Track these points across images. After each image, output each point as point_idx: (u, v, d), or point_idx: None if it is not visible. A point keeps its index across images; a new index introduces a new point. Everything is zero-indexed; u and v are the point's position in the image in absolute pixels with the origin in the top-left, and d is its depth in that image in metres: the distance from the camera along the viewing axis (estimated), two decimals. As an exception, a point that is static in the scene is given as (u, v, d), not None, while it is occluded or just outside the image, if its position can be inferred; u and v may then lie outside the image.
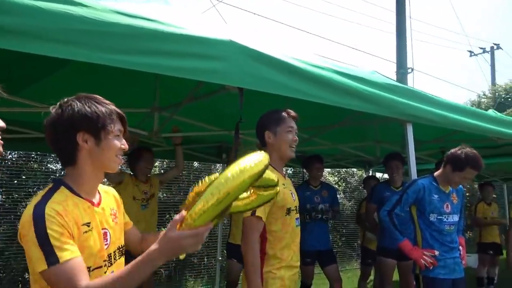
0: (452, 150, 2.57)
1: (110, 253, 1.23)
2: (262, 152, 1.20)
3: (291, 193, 2.05)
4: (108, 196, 1.33)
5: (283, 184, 1.98)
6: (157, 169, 6.47)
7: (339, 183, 8.52)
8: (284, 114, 2.03)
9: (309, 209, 3.89)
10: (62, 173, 6.00)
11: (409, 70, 8.58)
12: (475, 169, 2.44)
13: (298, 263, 2.05)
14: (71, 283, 1.02)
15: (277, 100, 2.38)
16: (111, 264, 1.23)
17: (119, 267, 1.26)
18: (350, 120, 3.48)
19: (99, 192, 1.28)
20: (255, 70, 1.94)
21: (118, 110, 1.24)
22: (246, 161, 1.12)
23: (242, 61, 1.90)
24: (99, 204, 1.24)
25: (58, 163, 6.05)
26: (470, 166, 2.44)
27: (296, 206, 2.06)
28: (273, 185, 1.40)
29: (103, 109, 1.19)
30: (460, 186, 2.68)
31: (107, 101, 1.24)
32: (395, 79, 8.43)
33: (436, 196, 2.50)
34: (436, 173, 2.61)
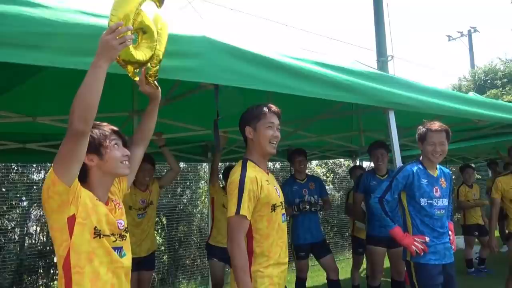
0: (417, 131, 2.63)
1: (123, 233, 1.50)
2: None
3: (276, 189, 2.00)
4: (110, 195, 1.57)
5: (267, 181, 1.94)
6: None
7: (327, 174, 8.54)
8: (265, 109, 1.95)
9: (298, 203, 3.87)
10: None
11: (389, 58, 8.58)
12: (433, 131, 2.49)
13: (287, 259, 2.02)
14: None
15: (260, 95, 2.34)
16: (122, 240, 1.48)
17: (127, 244, 1.52)
18: (333, 111, 3.45)
19: (108, 198, 1.53)
20: (231, 65, 1.89)
21: (111, 127, 1.51)
22: None
23: (216, 57, 1.85)
24: (107, 203, 1.51)
25: (40, 173, 5.90)
26: (429, 131, 2.50)
27: (281, 202, 2.02)
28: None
29: (97, 131, 1.45)
30: (448, 170, 2.69)
31: (103, 123, 1.52)
32: (376, 68, 8.51)
33: (425, 180, 2.49)
34: (420, 158, 2.61)
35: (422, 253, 2.38)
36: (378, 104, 2.61)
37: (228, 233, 1.84)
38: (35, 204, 5.59)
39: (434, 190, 2.49)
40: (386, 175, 3.75)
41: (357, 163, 6.82)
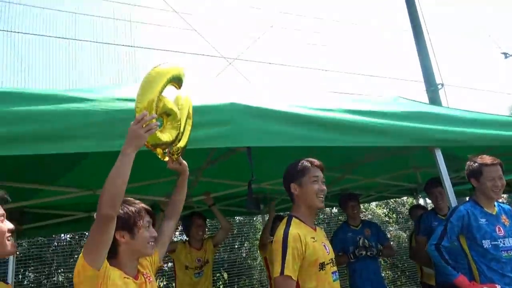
0: (466, 168, 2.48)
1: None
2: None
3: (324, 246, 1.95)
4: (141, 268, 1.65)
5: (313, 238, 1.90)
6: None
7: (389, 214, 8.09)
8: (307, 164, 1.98)
9: (353, 251, 3.68)
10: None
11: (440, 86, 8.26)
12: (489, 165, 2.34)
13: None
14: None
15: (300, 149, 2.36)
16: None
17: None
18: (375, 155, 3.36)
19: (137, 271, 1.61)
20: (260, 126, 1.97)
21: (146, 206, 1.59)
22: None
23: (245, 121, 1.94)
24: (137, 277, 1.58)
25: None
26: (485, 165, 2.35)
27: (331, 259, 1.95)
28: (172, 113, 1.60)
29: (133, 209, 1.54)
30: (508, 206, 2.45)
31: (137, 201, 1.60)
32: (427, 98, 8.19)
33: (483, 220, 2.29)
34: (474, 197, 2.41)
35: None
36: (420, 144, 2.51)
37: None
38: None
39: (497, 229, 2.27)
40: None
41: (420, 201, 6.41)
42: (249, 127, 1.94)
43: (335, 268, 1.95)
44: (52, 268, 5.69)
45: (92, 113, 1.62)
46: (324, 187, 1.97)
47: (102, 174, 3.27)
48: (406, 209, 8.07)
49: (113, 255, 1.50)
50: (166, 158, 1.67)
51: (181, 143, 1.66)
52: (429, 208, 4.63)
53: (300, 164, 1.99)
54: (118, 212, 1.45)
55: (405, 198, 8.12)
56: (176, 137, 1.60)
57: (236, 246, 6.58)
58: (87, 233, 6.01)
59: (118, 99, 1.72)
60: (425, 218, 3.64)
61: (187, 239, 3.73)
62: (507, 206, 2.45)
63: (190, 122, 1.71)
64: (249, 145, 1.99)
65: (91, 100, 1.65)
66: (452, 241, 2.34)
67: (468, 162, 2.43)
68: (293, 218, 1.95)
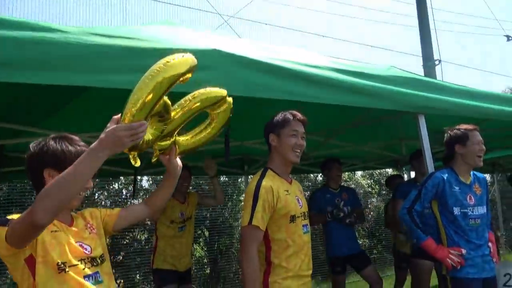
0: (446, 138, 2.48)
1: (95, 257, 1.37)
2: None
3: (297, 199, 1.95)
4: (79, 217, 1.46)
5: (286, 191, 1.91)
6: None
7: (372, 185, 8.22)
8: (289, 116, 1.95)
9: (331, 210, 3.77)
10: (95, 197, 6.23)
11: (437, 62, 8.18)
12: (474, 130, 2.39)
13: (309, 272, 1.95)
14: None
15: (286, 106, 2.33)
16: (96, 265, 1.36)
17: (106, 269, 1.41)
18: (362, 119, 3.34)
19: (72, 218, 1.41)
20: (243, 76, 1.91)
21: (83, 149, 1.35)
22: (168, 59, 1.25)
23: (229, 69, 1.88)
24: (71, 225, 1.39)
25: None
26: (469, 130, 2.39)
27: (303, 213, 1.96)
28: (221, 98, 1.44)
29: (72, 149, 1.34)
30: (482, 175, 2.48)
31: (82, 143, 1.39)
32: (423, 73, 8.13)
33: (457, 188, 2.32)
34: (453, 165, 2.43)
35: (458, 267, 2.20)
36: (404, 109, 2.49)
37: (240, 244, 1.84)
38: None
39: (468, 197, 2.31)
40: (339, 189, 3.73)
41: (404, 173, 6.51)
42: (232, 75, 1.89)
43: (306, 222, 1.97)
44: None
45: (65, 45, 1.54)
46: (303, 143, 1.94)
47: (87, 119, 3.24)
48: (390, 181, 8.21)
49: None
50: (138, 163, 1.31)
51: (166, 141, 1.39)
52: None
53: (282, 115, 1.96)
54: (54, 148, 1.31)
55: (389, 170, 8.23)
56: (157, 138, 1.32)
57: (219, 206, 6.67)
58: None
59: (93, 34, 1.63)
60: (404, 184, 3.72)
61: None
62: (482, 175, 2.48)
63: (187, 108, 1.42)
64: (231, 94, 1.94)
65: (64, 32, 1.56)
66: (424, 206, 2.37)
67: (449, 131, 2.43)
68: (268, 170, 1.94)
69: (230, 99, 1.51)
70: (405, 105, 2.48)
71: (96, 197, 6.19)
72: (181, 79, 1.26)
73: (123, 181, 6.32)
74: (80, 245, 1.34)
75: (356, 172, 7.90)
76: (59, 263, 1.26)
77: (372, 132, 4.25)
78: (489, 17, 19.06)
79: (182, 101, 1.42)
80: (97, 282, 1.33)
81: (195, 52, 1.82)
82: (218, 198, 3.71)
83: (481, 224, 2.31)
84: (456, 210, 2.27)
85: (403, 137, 4.51)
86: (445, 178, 2.34)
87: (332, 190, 3.92)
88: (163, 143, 1.38)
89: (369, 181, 8.27)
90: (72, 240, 1.32)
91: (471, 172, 2.43)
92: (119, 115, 1.16)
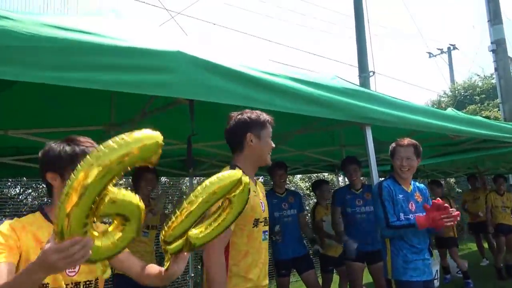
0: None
1: (78, 282, 1.30)
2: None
3: (261, 203, 1.88)
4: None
5: (254, 191, 1.82)
6: (122, 186, 6.24)
7: (310, 188, 8.54)
8: (268, 117, 1.92)
9: (277, 217, 3.84)
10: (20, 197, 5.68)
11: (371, 74, 8.76)
12: (400, 145, 2.61)
13: (266, 282, 1.86)
14: None
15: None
16: None
17: None
18: (313, 126, 3.47)
19: None
20: (205, 80, 1.87)
21: (87, 151, 1.31)
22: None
23: (191, 72, 1.83)
24: None
25: (16, 188, 5.74)
26: (396, 145, 2.63)
27: (265, 218, 1.89)
28: (236, 182, 1.23)
29: (68, 149, 1.32)
30: (422, 185, 2.72)
31: (84, 143, 1.35)
32: (358, 83, 8.66)
33: (400, 196, 2.51)
34: (393, 174, 2.64)
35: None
36: (354, 120, 2.63)
37: (205, 247, 1.67)
38: (9, 219, 5.41)
39: (410, 205, 2.51)
40: (361, 189, 3.80)
41: (340, 178, 6.87)
42: (195, 78, 1.84)
43: (266, 228, 1.90)
44: None
45: (13, 35, 1.38)
46: (274, 145, 1.94)
47: (18, 114, 2.95)
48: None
49: (49, 195, 1.39)
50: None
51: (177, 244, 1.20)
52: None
53: (260, 115, 1.90)
54: (52, 151, 1.32)
55: (326, 174, 8.60)
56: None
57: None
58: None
59: (47, 25, 1.49)
60: (340, 191, 3.95)
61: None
62: (422, 185, 2.71)
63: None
64: (193, 98, 1.90)
65: (13, 20, 1.41)
66: (395, 214, 2.47)
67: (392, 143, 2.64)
68: (236, 167, 1.77)
69: (246, 179, 1.29)
70: (354, 116, 2.61)
71: (22, 197, 5.65)
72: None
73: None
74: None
75: (295, 175, 8.14)
76: (44, 284, 1.21)
77: (316, 138, 4.44)
78: (417, 34, 20.84)
79: (191, 196, 1.20)
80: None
81: (158, 53, 1.77)
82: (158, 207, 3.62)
83: (422, 230, 2.49)
84: (402, 216, 2.45)
85: (344, 144, 4.76)
86: (391, 186, 2.52)
87: (278, 195, 4.01)
88: (172, 246, 1.19)
89: (307, 184, 8.57)
90: None
91: (411, 182, 2.64)
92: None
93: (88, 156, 0.89)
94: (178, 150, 4.11)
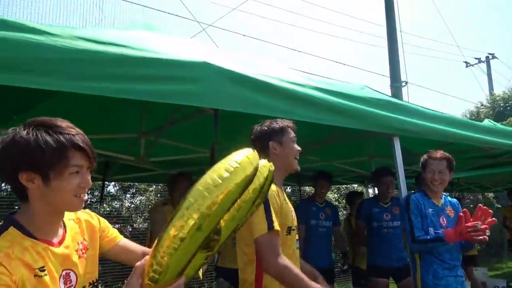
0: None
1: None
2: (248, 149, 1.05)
3: (291, 211, 1.83)
4: (76, 228, 1.17)
5: (285, 199, 1.79)
6: (152, 193, 6.40)
7: (339, 199, 8.41)
8: (286, 123, 1.91)
9: (313, 225, 3.84)
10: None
11: (403, 84, 8.57)
12: (432, 158, 2.50)
13: None
14: None
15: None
16: None
17: None
18: (338, 136, 3.44)
19: (64, 226, 1.12)
20: (230, 90, 1.92)
21: (76, 140, 1.01)
22: (226, 164, 0.93)
23: (216, 82, 1.88)
24: (60, 242, 1.08)
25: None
26: (429, 158, 2.52)
27: (296, 226, 1.84)
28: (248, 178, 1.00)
29: (52, 142, 0.97)
30: (454, 199, 2.62)
31: (68, 130, 1.01)
32: (390, 94, 8.48)
33: (430, 210, 2.43)
34: (423, 187, 2.56)
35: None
36: (381, 130, 2.59)
37: (262, 258, 1.59)
38: None
39: (441, 219, 2.42)
40: (390, 203, 3.67)
41: (370, 189, 6.71)
42: (220, 89, 1.89)
43: (297, 236, 1.86)
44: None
45: (51, 48, 1.48)
46: (300, 149, 1.90)
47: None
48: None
49: (22, 199, 1.03)
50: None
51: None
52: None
53: (278, 123, 1.89)
54: (25, 142, 0.96)
55: (355, 185, 8.45)
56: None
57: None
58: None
59: (81, 38, 1.59)
60: (366, 204, 3.83)
61: (168, 199, 3.50)
62: (454, 200, 2.61)
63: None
64: (218, 107, 1.95)
65: (51, 34, 1.51)
66: (423, 228, 2.39)
67: (423, 155, 2.56)
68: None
69: (265, 164, 1.16)
70: (382, 126, 2.58)
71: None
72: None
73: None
74: (66, 281, 1.07)
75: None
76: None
77: (344, 148, 4.39)
78: (452, 43, 20.18)
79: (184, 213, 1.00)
80: None
81: (185, 64, 1.84)
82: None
83: (455, 246, 2.39)
84: (431, 231, 2.36)
85: (373, 155, 4.67)
86: (419, 200, 2.44)
87: (317, 204, 4.03)
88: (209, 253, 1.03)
89: (336, 195, 8.45)
90: (58, 284, 1.04)
91: (442, 195, 2.55)
92: (142, 262, 0.88)
93: (188, 200, 0.81)
94: (206, 158, 4.18)
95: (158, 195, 6.30)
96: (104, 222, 1.30)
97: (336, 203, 8.18)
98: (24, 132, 0.98)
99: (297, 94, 2.18)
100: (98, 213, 1.33)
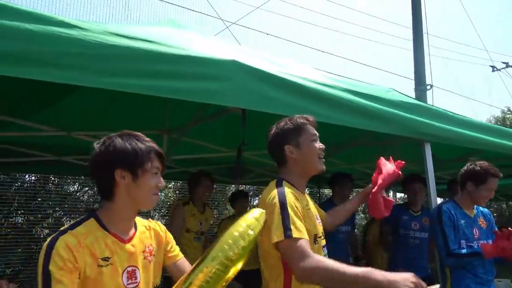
0: (464, 169, 2.42)
1: None
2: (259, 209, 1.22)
3: (316, 216, 1.68)
4: (146, 233, 1.32)
5: (307, 205, 1.61)
6: (171, 190, 6.42)
7: (358, 203, 8.27)
8: (303, 120, 1.67)
9: (331, 233, 3.70)
10: (77, 195, 6.04)
11: (428, 87, 8.33)
12: (496, 176, 2.32)
13: None
14: None
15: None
16: None
17: None
18: (365, 140, 3.34)
19: (135, 228, 1.30)
20: (259, 90, 1.87)
21: (157, 148, 1.27)
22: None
23: (245, 81, 1.83)
24: (129, 240, 1.25)
25: (74, 185, 6.11)
26: (491, 175, 2.31)
27: (322, 232, 1.69)
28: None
29: (143, 147, 1.23)
30: (486, 209, 2.49)
31: (148, 139, 1.28)
32: (414, 97, 8.27)
33: (462, 221, 2.31)
34: (456, 198, 2.43)
35: None
36: (412, 135, 2.49)
37: (289, 262, 1.46)
38: (67, 215, 5.77)
39: (474, 231, 2.30)
40: (420, 212, 3.53)
41: (391, 194, 6.56)
42: (248, 88, 1.84)
43: (325, 242, 1.70)
44: (11, 208, 5.50)
45: (81, 43, 1.46)
46: (324, 146, 1.69)
47: (79, 117, 3.13)
48: (375, 200, 8.26)
49: (107, 197, 1.23)
50: None
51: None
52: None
53: (293, 121, 1.66)
54: (122, 146, 1.21)
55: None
56: None
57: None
58: (52, 178, 5.80)
59: (112, 33, 1.56)
60: (396, 210, 3.67)
61: (188, 198, 3.51)
62: (485, 209, 2.49)
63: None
64: (246, 107, 1.90)
65: (82, 29, 1.49)
66: (457, 241, 2.29)
67: (470, 165, 2.40)
68: (283, 181, 1.61)
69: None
70: (412, 131, 2.48)
71: (79, 195, 6.00)
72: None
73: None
74: (130, 277, 1.20)
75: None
76: None
77: (366, 152, 4.27)
78: (479, 46, 19.58)
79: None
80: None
81: (214, 62, 1.80)
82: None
83: (489, 259, 2.28)
84: (463, 244, 2.25)
85: (395, 159, 4.53)
86: (451, 210, 2.33)
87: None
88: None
89: (354, 199, 8.31)
90: (121, 277, 1.18)
91: (474, 206, 2.44)
92: None
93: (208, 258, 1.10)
94: (227, 158, 4.15)
95: (177, 192, 6.32)
96: (170, 237, 1.43)
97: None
98: (120, 139, 1.23)
99: (325, 95, 2.11)
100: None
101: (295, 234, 1.41)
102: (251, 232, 1.21)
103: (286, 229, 1.41)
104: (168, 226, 3.50)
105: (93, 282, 1.12)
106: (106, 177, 1.21)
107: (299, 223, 1.45)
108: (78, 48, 1.45)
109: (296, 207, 1.49)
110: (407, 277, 1.28)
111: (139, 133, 1.29)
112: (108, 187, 1.22)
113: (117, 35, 1.55)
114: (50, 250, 1.09)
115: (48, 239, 1.12)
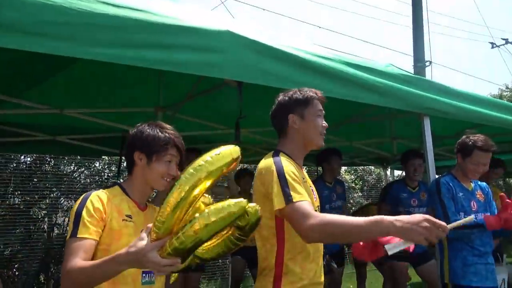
0: (459, 140, 2.38)
1: None
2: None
3: (312, 190, 1.64)
4: (154, 214, 1.41)
5: (303, 178, 1.57)
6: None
7: (356, 181, 8.29)
8: (312, 94, 1.63)
9: (327, 209, 3.67)
10: (74, 175, 6.00)
11: (427, 63, 8.22)
12: (483, 150, 2.26)
13: (323, 278, 1.61)
14: (68, 257, 1.22)
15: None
16: None
17: None
18: (364, 115, 3.29)
19: (146, 205, 1.48)
20: (255, 62, 1.81)
21: (176, 139, 1.41)
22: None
23: (241, 53, 1.77)
24: (144, 209, 1.44)
25: (70, 165, 6.06)
26: (477, 148, 2.26)
27: (318, 207, 1.64)
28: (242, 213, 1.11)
29: (162, 136, 1.39)
30: (484, 183, 2.48)
31: (171, 130, 1.43)
32: (413, 73, 8.18)
33: (461, 194, 2.29)
34: (452, 171, 2.40)
35: None
36: (412, 109, 2.45)
37: (296, 229, 1.41)
38: (64, 196, 5.75)
39: (471, 203, 2.29)
40: (418, 188, 3.53)
41: (388, 172, 6.56)
42: (244, 60, 1.78)
43: None
44: (8, 189, 5.46)
45: (66, 11, 1.38)
46: (327, 124, 1.65)
47: (72, 94, 3.05)
48: (373, 178, 8.30)
49: (129, 172, 1.46)
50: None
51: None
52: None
53: (302, 92, 1.63)
54: (146, 133, 1.38)
55: (372, 167, 8.31)
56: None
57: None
58: (48, 159, 5.75)
59: (99, 2, 1.48)
60: (394, 188, 3.65)
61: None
62: (483, 183, 2.47)
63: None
64: (242, 80, 1.84)
65: (68, -4, 1.41)
66: (458, 212, 2.26)
67: (464, 137, 2.36)
68: (281, 152, 1.59)
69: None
70: (412, 105, 2.43)
71: (76, 175, 5.96)
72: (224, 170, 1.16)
73: (107, 160, 6.09)
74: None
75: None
76: None
77: (363, 128, 4.23)
78: (479, 23, 19.27)
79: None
80: (149, 282, 1.36)
81: (208, 32, 1.72)
82: (231, 188, 3.59)
83: (487, 232, 2.26)
84: (461, 216, 2.23)
85: (395, 136, 4.51)
86: (450, 183, 2.31)
87: (328, 185, 3.80)
88: (183, 265, 1.15)
89: (352, 176, 8.33)
90: (139, 232, 1.28)
91: (472, 179, 2.41)
92: (149, 227, 1.13)
93: (181, 177, 1.12)
94: (222, 135, 4.10)
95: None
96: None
97: (353, 185, 8.07)
98: (147, 126, 1.42)
99: (325, 68, 2.05)
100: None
101: (296, 198, 1.40)
102: (213, 155, 1.14)
103: (287, 194, 1.40)
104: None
105: (118, 233, 1.30)
106: (129, 156, 1.43)
107: (298, 187, 1.44)
108: (64, 16, 1.37)
109: (294, 173, 1.47)
110: (419, 219, 1.22)
111: (165, 124, 1.45)
112: (129, 164, 1.44)
113: (105, 3, 1.48)
114: (85, 199, 1.30)
115: (84, 194, 1.34)
